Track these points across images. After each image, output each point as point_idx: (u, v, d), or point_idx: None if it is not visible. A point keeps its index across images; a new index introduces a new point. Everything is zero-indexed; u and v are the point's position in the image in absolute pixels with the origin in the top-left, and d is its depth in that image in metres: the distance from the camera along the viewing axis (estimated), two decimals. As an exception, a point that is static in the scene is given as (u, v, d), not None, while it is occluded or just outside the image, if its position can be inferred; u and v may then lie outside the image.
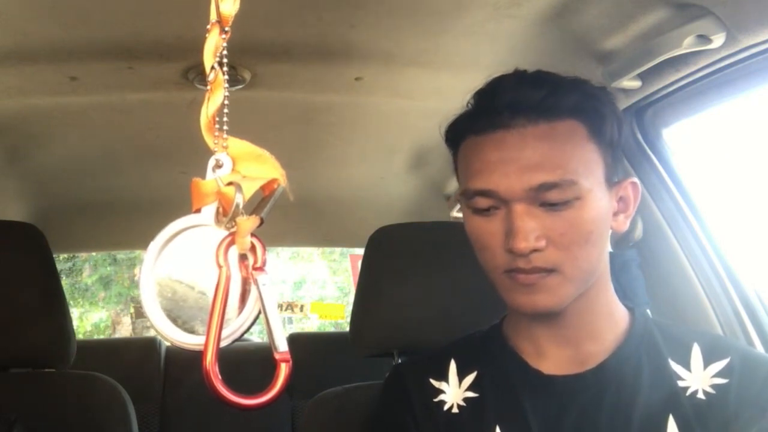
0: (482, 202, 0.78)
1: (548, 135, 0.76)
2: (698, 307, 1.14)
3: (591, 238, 0.76)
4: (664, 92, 1.12)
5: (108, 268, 8.17)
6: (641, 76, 1.10)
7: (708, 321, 1.13)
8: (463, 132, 0.83)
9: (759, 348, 1.07)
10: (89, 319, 8.36)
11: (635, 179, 0.83)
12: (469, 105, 0.84)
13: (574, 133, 0.77)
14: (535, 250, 0.75)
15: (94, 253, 7.49)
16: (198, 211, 0.54)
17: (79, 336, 5.52)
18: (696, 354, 0.80)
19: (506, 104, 0.77)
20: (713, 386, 0.78)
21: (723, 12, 0.89)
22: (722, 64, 0.99)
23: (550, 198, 0.75)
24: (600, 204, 0.77)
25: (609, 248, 0.89)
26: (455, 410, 0.86)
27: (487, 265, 0.81)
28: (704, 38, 0.93)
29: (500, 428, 0.81)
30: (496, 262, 0.78)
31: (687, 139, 1.25)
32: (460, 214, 1.94)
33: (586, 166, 0.76)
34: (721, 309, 1.12)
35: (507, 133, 0.77)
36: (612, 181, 0.80)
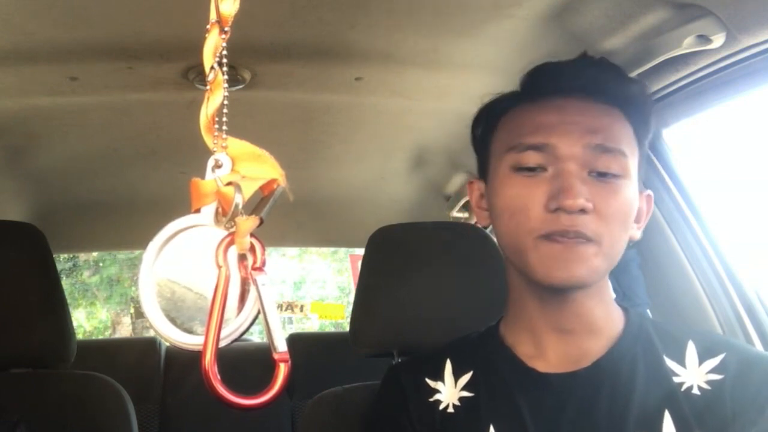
0: (532, 158, 0.79)
1: (607, 113, 0.81)
2: (698, 307, 1.14)
3: (627, 221, 0.79)
4: (664, 92, 1.12)
5: (111, 269, 8.16)
6: (641, 76, 1.10)
7: (708, 321, 1.13)
8: (507, 105, 0.86)
9: (759, 348, 1.07)
10: (93, 318, 8.35)
11: (650, 192, 0.86)
12: (524, 79, 0.86)
13: (624, 125, 0.82)
14: (583, 211, 0.75)
15: (96, 253, 7.49)
16: (197, 211, 0.54)
17: (79, 336, 5.52)
18: (691, 350, 0.81)
19: (568, 75, 0.82)
20: (708, 382, 0.78)
21: (723, 12, 0.89)
22: (722, 64, 0.99)
23: (601, 164, 0.78)
24: (635, 195, 0.81)
25: None
26: (450, 410, 0.86)
27: (519, 230, 0.79)
28: (704, 38, 0.93)
29: (494, 427, 0.81)
30: (531, 225, 0.77)
31: (687, 139, 1.25)
32: (459, 214, 1.94)
33: (632, 156, 0.80)
34: (721, 309, 1.12)
35: (568, 100, 0.81)
36: (640, 187, 0.83)
